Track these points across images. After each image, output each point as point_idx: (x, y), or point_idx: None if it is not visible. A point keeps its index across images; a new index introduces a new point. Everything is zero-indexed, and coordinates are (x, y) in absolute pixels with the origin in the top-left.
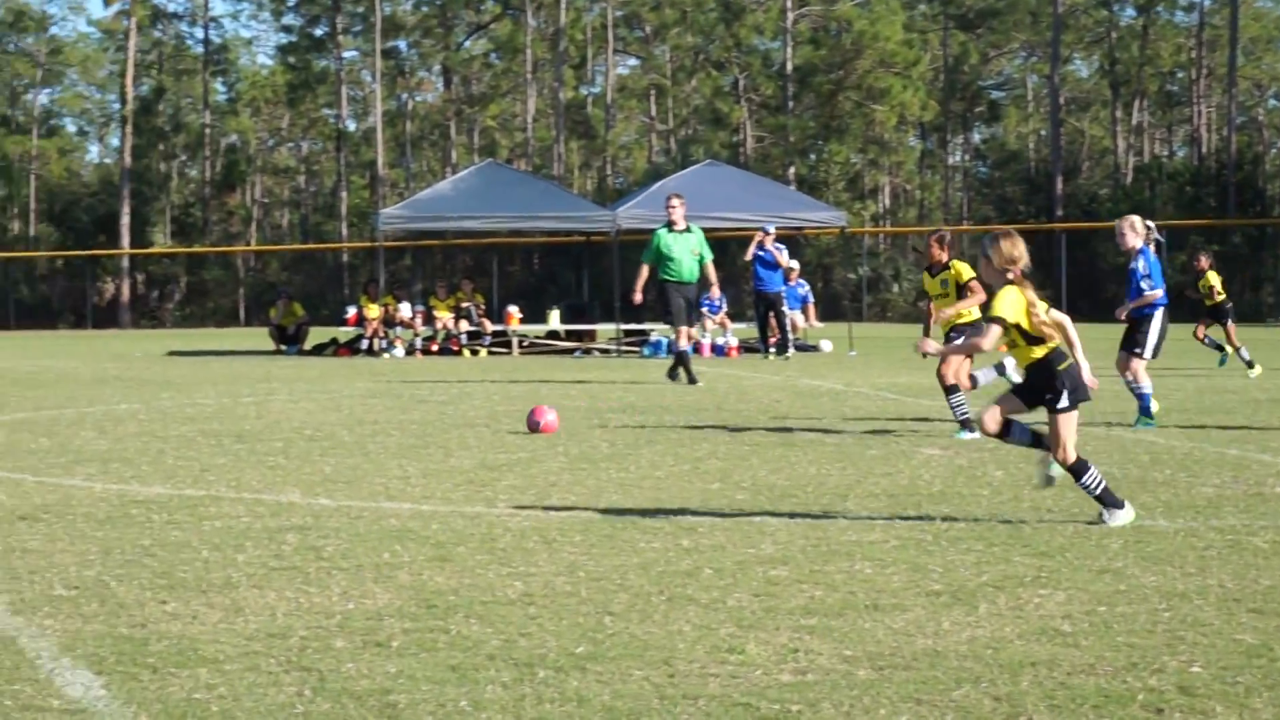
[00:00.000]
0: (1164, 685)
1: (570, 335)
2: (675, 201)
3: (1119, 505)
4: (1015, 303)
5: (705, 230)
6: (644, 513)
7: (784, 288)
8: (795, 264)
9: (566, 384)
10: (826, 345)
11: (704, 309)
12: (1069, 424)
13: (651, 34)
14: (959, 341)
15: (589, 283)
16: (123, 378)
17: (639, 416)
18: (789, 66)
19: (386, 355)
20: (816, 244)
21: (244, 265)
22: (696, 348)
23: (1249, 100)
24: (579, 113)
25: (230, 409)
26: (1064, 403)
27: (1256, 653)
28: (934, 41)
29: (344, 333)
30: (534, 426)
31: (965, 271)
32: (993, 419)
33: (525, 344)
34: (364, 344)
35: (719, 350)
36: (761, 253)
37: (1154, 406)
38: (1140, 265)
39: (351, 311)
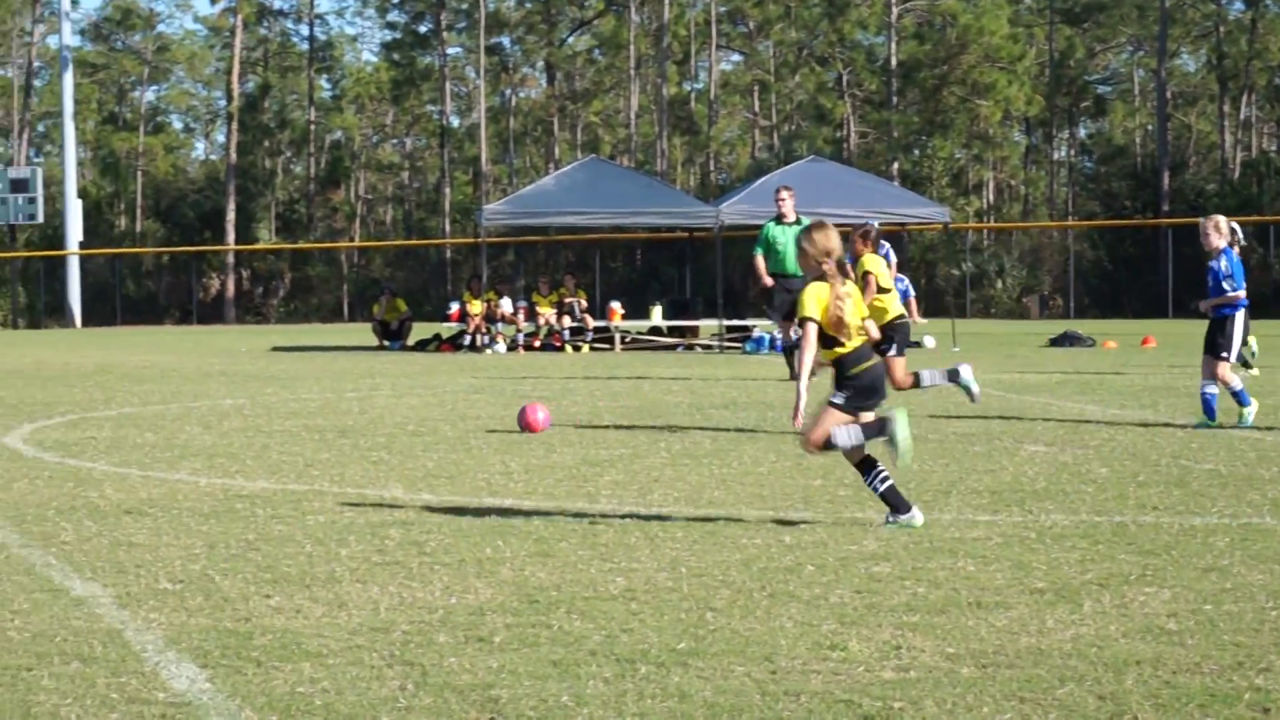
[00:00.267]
0: (1271, 684)
1: (673, 331)
2: (785, 194)
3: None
4: (817, 299)
5: None
6: (746, 508)
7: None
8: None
9: (669, 380)
10: (930, 341)
11: None
12: (833, 417)
13: (755, 29)
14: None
15: (691, 279)
16: (227, 373)
17: (741, 412)
18: (893, 61)
19: (489, 351)
20: (920, 240)
21: (348, 261)
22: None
23: None
24: (682, 109)
25: (334, 404)
26: (839, 399)
27: None
28: (1040, 36)
29: (447, 328)
30: (525, 426)
31: (866, 264)
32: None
33: (628, 340)
34: (466, 340)
35: None
36: None
37: (1253, 404)
38: (1223, 265)
39: (454, 307)
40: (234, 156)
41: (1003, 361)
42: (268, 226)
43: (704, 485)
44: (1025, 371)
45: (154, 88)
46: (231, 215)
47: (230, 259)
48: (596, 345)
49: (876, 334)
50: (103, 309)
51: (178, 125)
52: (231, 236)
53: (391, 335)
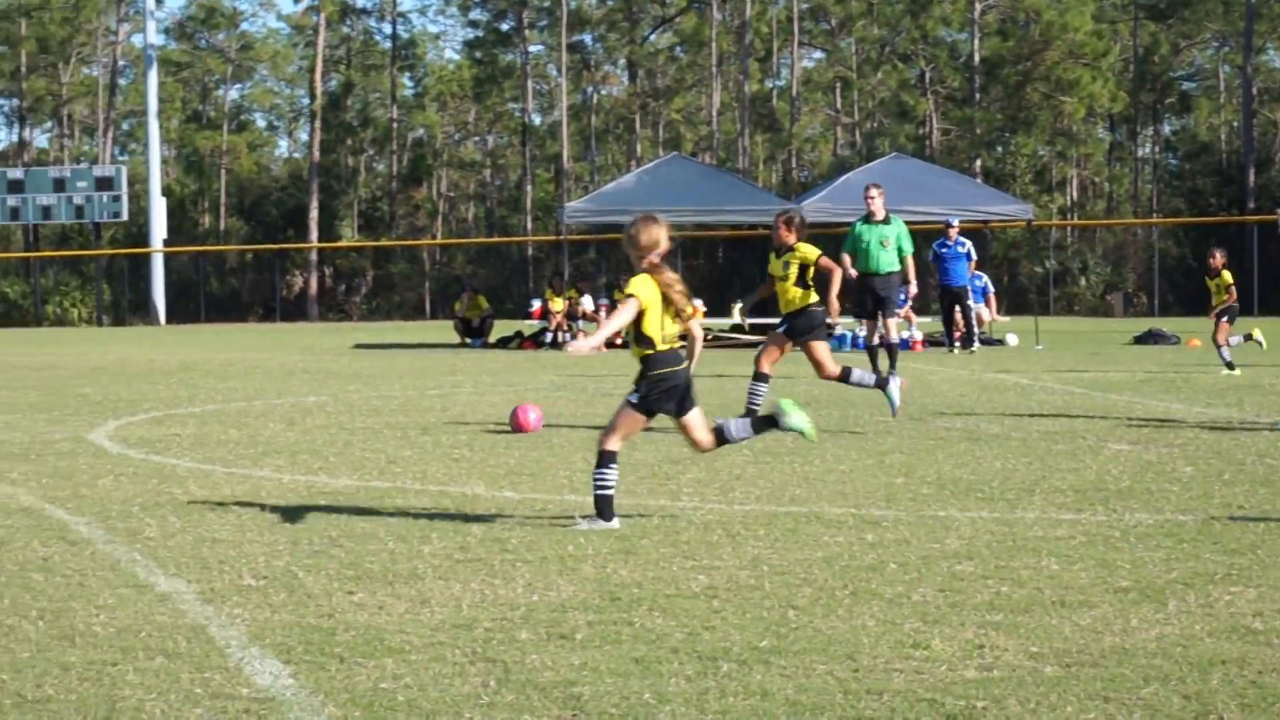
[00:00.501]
0: None
1: (754, 329)
2: (874, 192)
3: (608, 519)
4: (646, 285)
5: None
6: (828, 506)
7: (969, 282)
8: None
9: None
10: (1012, 339)
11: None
12: (629, 418)
13: (837, 26)
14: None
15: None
16: (310, 370)
17: (823, 410)
18: (976, 58)
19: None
20: (1002, 237)
21: (430, 259)
22: (882, 343)
23: None
24: (764, 106)
25: (416, 401)
26: (635, 399)
27: None
28: (1124, 32)
29: (528, 326)
30: (517, 427)
31: (811, 253)
32: (708, 439)
33: (709, 337)
34: (548, 337)
35: (904, 345)
36: (944, 249)
37: None
38: None
39: (536, 305)
40: (317, 154)
41: (1086, 359)
42: (350, 224)
43: (786, 483)
44: (1109, 370)
45: (237, 86)
46: (314, 213)
47: (313, 256)
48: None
49: (700, 334)
50: (186, 306)
51: (261, 123)
52: (314, 234)
53: (473, 333)
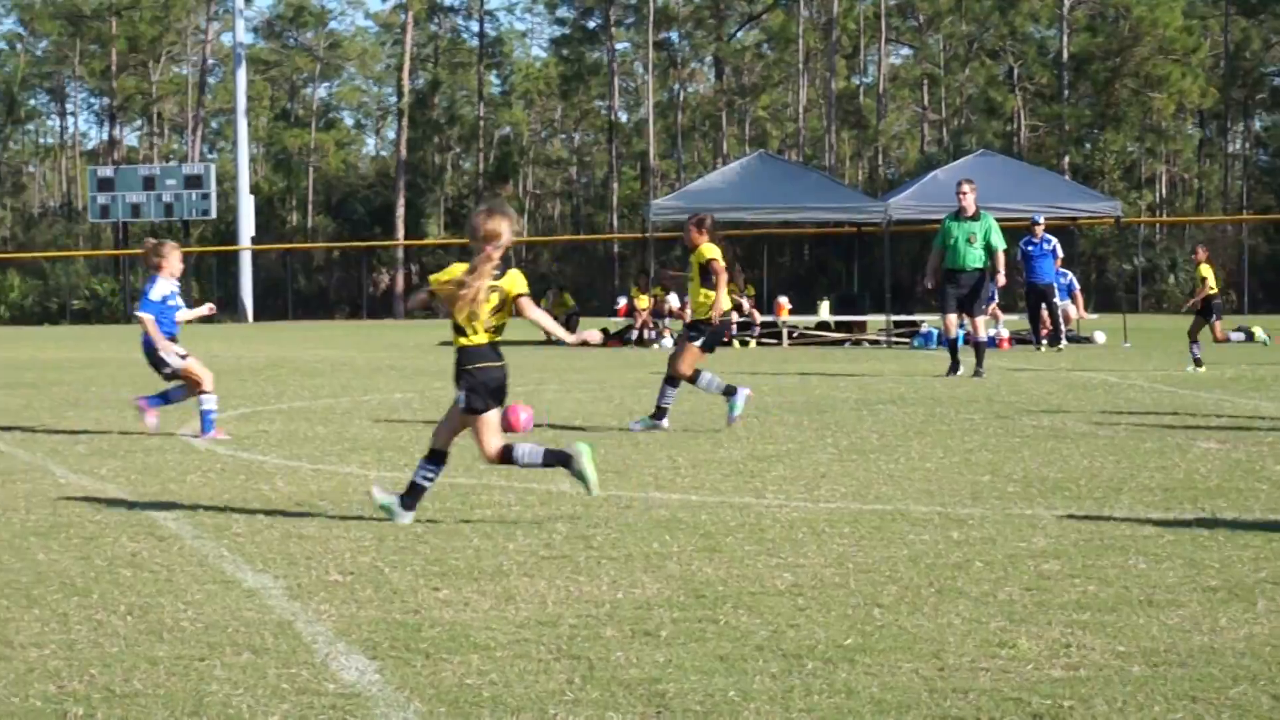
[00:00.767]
0: None
1: (840, 326)
2: (966, 188)
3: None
4: (449, 272)
5: None
6: (914, 504)
7: (1055, 279)
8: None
9: (836, 376)
10: (1100, 337)
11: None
12: (483, 425)
13: (924, 23)
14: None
15: (859, 274)
16: (397, 367)
17: (908, 408)
18: (1065, 54)
19: (656, 346)
20: (1091, 234)
21: (515, 256)
22: (967, 338)
23: None
24: (851, 103)
25: None
26: (461, 401)
27: None
28: (1214, 27)
29: (614, 323)
30: (508, 427)
31: (706, 252)
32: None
33: (795, 335)
34: (634, 335)
35: (990, 342)
36: (1030, 246)
37: None
38: None
39: (622, 302)
40: (404, 152)
41: (1175, 358)
42: (437, 221)
43: (871, 481)
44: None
45: (325, 84)
46: (401, 210)
47: (400, 254)
48: (764, 340)
49: (549, 328)
50: (274, 303)
51: (349, 121)
52: (401, 232)
53: None
